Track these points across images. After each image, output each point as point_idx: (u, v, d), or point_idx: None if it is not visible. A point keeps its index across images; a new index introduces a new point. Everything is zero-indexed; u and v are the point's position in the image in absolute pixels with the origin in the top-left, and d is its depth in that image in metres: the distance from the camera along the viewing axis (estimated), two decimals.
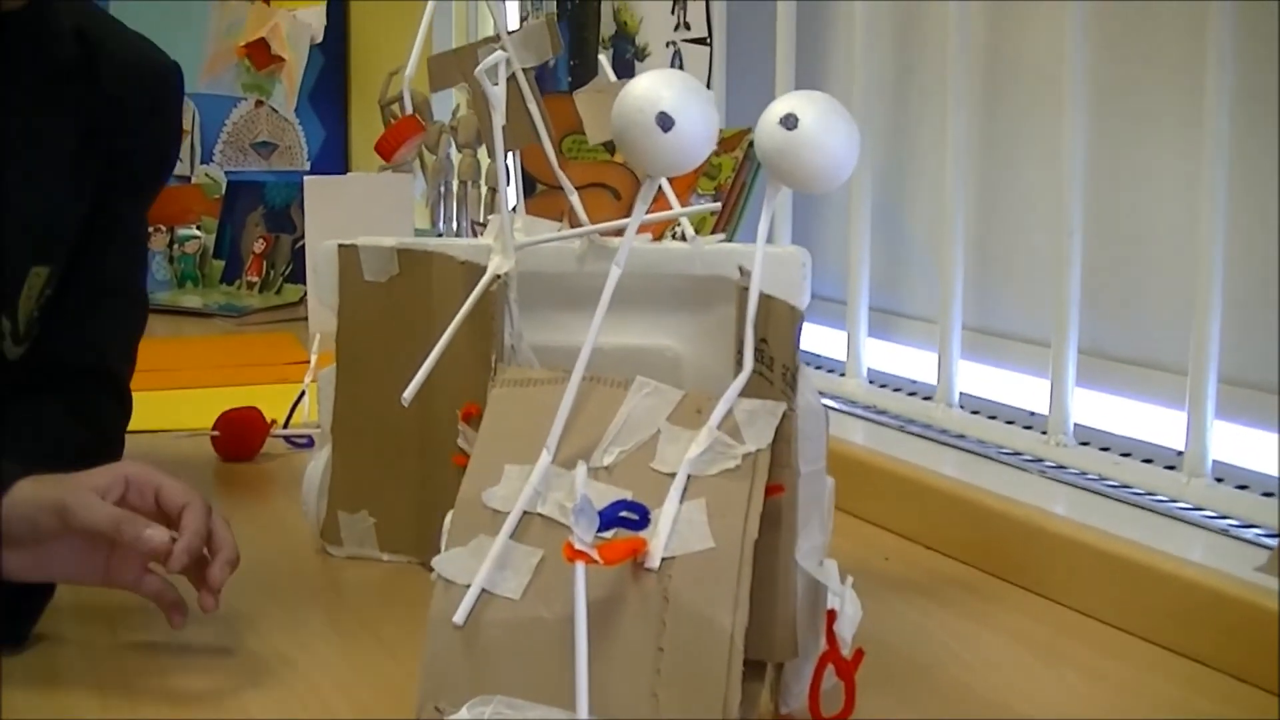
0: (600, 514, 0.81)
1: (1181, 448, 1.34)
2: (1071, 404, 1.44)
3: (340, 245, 1.21)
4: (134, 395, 1.39)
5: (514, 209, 1.19)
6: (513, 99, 1.12)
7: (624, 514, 0.81)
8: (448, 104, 3.11)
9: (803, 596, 0.91)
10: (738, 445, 0.86)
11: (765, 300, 0.90)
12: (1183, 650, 1.09)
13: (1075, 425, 1.44)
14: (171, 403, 1.84)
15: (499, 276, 1.05)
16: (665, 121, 0.84)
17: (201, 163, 3.14)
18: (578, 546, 0.78)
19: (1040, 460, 1.44)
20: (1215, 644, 1.07)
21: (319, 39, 2.98)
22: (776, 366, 0.91)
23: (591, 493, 0.85)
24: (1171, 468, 1.36)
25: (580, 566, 0.78)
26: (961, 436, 1.55)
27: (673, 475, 0.85)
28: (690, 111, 0.85)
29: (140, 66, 1.37)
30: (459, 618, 0.83)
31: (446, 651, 0.84)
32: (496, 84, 1.06)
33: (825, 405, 0.94)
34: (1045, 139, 1.51)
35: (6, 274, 1.25)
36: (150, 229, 2.80)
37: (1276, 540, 1.17)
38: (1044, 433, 1.47)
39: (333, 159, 3.25)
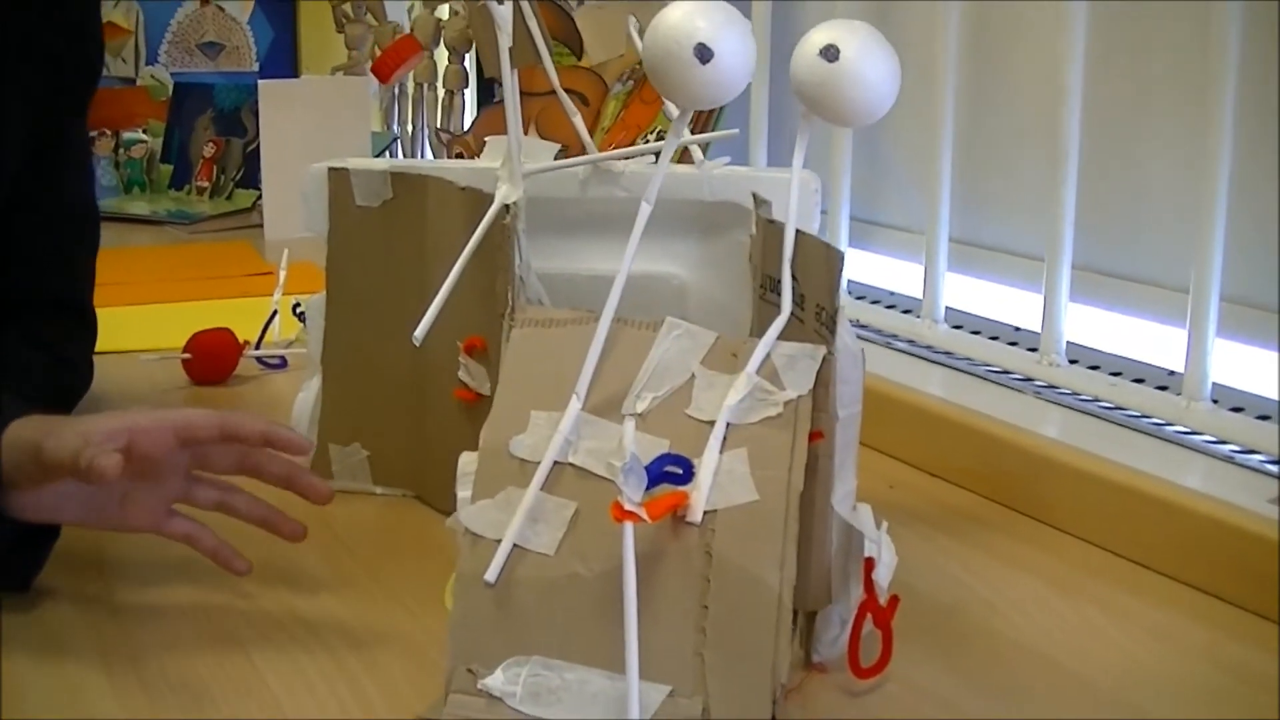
0: (645, 469, 0.78)
1: (1175, 367, 1.32)
2: (1064, 323, 1.41)
3: (331, 168, 1.16)
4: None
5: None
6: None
7: (669, 468, 0.77)
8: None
9: (836, 543, 0.88)
10: (778, 392, 0.82)
11: (798, 237, 0.86)
12: (1202, 585, 1.07)
13: (1067, 343, 1.42)
14: (133, 320, 1.79)
15: (507, 207, 1.00)
16: (704, 53, 0.80)
17: (146, 64, 3.06)
18: (627, 507, 0.74)
19: (1032, 380, 1.42)
20: (1234, 580, 1.05)
21: None
22: (809, 305, 0.87)
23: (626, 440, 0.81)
24: (1164, 388, 1.34)
25: (629, 527, 0.74)
26: (949, 354, 1.53)
27: (710, 423, 0.82)
28: (729, 42, 0.81)
29: None
30: (491, 575, 0.79)
31: (477, 611, 0.80)
32: (502, 2, 1.01)
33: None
34: (1042, 42, 1.48)
35: None
36: (95, 133, 2.73)
37: None
38: (1033, 350, 1.44)
39: (282, 60, 3.17)
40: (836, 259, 0.83)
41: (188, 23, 3.09)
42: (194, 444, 1.01)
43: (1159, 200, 1.40)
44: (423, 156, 2.77)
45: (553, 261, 1.11)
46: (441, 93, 2.60)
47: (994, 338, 1.56)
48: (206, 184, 2.77)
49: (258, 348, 1.60)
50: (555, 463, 0.82)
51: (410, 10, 2.83)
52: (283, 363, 1.60)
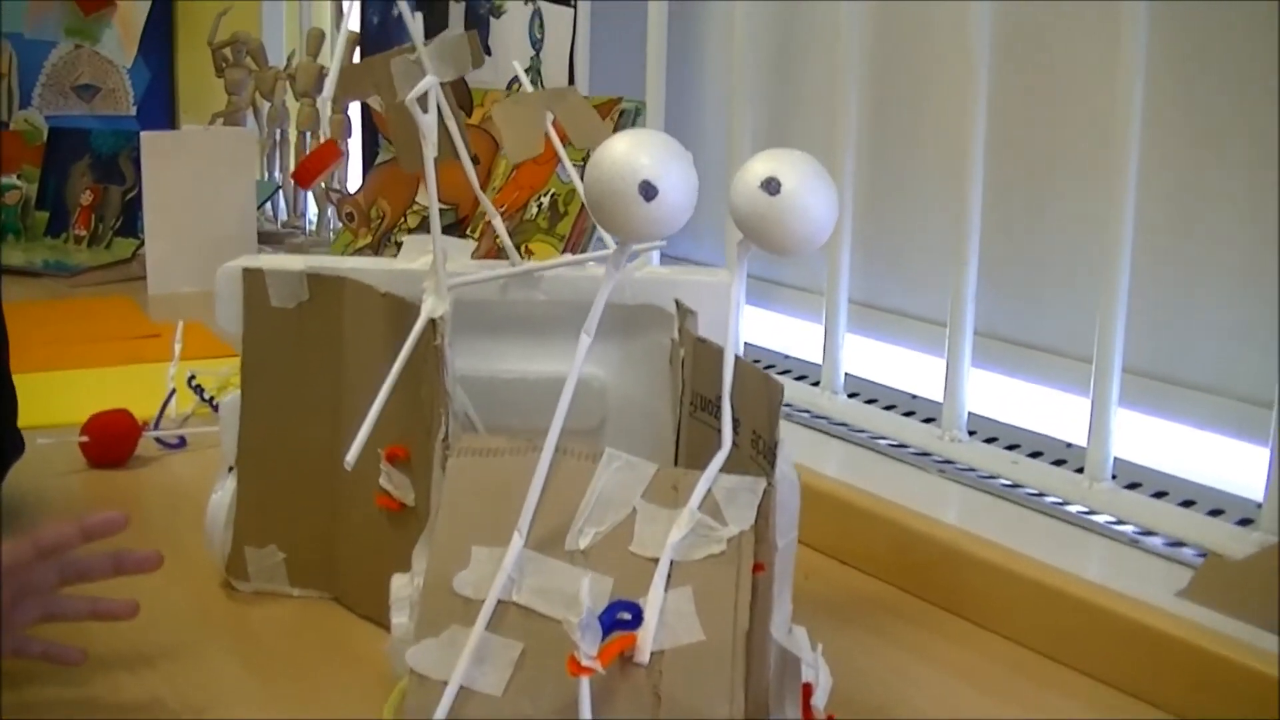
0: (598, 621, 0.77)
1: (1075, 438, 1.35)
2: (966, 398, 1.43)
3: (245, 269, 1.14)
4: None
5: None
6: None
7: (621, 615, 0.77)
8: (280, 45, 3.01)
9: (773, 666, 0.88)
10: (720, 527, 0.82)
11: (735, 364, 0.87)
12: (1112, 681, 1.08)
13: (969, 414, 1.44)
14: (19, 388, 1.75)
15: (434, 321, 0.99)
16: (648, 191, 0.80)
17: (20, 107, 3.00)
18: (584, 662, 0.74)
19: (933, 455, 1.43)
20: (1148, 679, 1.06)
21: None
22: (745, 430, 0.87)
23: (570, 580, 0.81)
24: (1064, 461, 1.37)
25: (585, 681, 0.74)
26: (848, 426, 1.54)
27: (654, 560, 0.81)
28: (672, 178, 0.80)
29: None
30: (440, 715, 0.79)
31: None
32: (426, 111, 1.00)
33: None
34: (947, 102, 1.49)
35: None
36: None
37: (1202, 560, 1.17)
38: (933, 420, 1.46)
39: (160, 103, 3.12)
40: (776, 392, 0.84)
41: (62, 65, 3.04)
42: (12, 575, 0.98)
43: (1062, 266, 1.43)
44: (304, 207, 2.75)
45: (472, 361, 1.11)
46: (324, 140, 2.58)
47: (891, 406, 1.58)
48: (85, 232, 2.72)
49: (156, 427, 1.58)
50: (499, 601, 0.81)
51: (291, 57, 2.80)
52: (181, 442, 1.57)
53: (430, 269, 1.01)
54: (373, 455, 1.08)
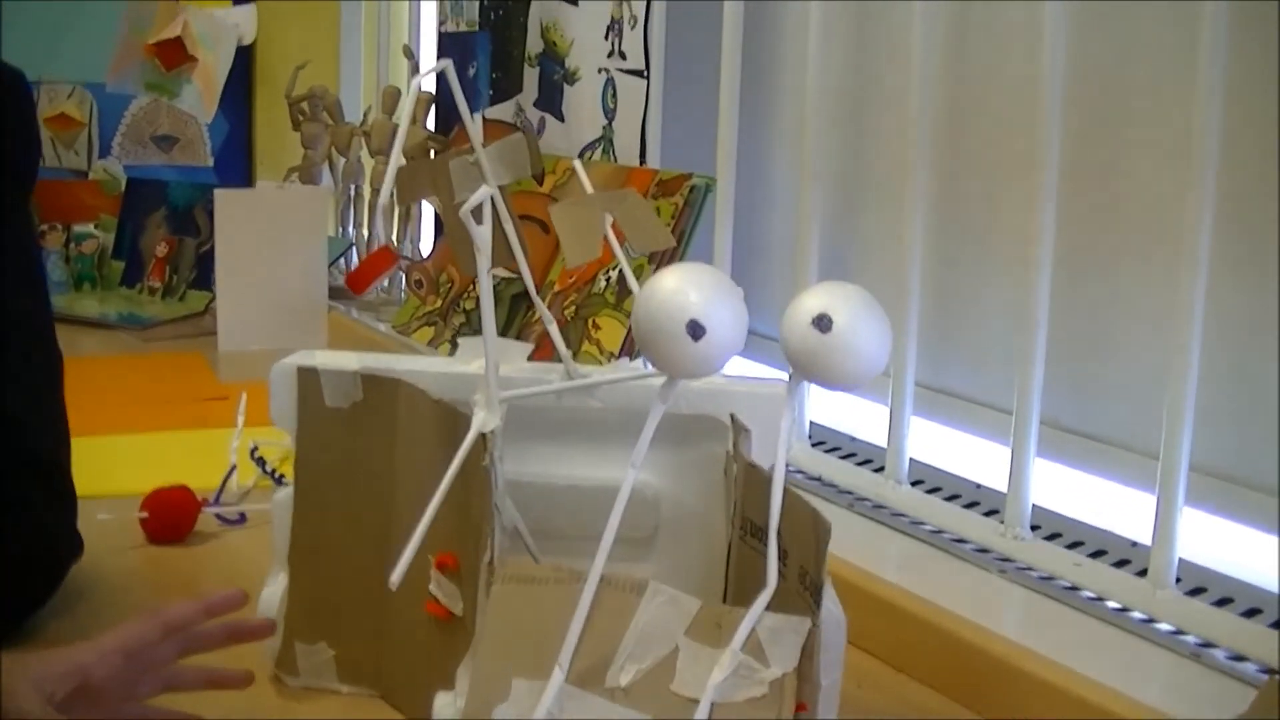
0: None
1: (1140, 537, 1.33)
2: (1029, 496, 1.41)
3: (300, 367, 1.14)
4: None
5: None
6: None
7: None
8: (357, 101, 3.03)
9: None
10: (763, 669, 0.81)
11: (786, 496, 0.86)
12: None
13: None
14: (84, 455, 1.75)
15: (484, 435, 0.98)
16: (696, 330, 0.79)
17: (99, 157, 3.03)
18: None
19: (992, 552, 1.41)
20: None
21: (249, 40, 2.87)
22: (792, 563, 0.86)
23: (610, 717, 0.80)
24: (1127, 561, 1.35)
25: None
26: (909, 518, 1.52)
27: (695, 700, 0.80)
28: (721, 316, 0.80)
29: None
30: None
31: None
32: (481, 223, 0.99)
33: None
34: (1014, 202, 1.48)
35: None
36: (45, 227, 2.70)
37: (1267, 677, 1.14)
38: (996, 512, 1.45)
39: (236, 155, 3.15)
40: (824, 530, 0.82)
41: (142, 115, 3.07)
42: (139, 655, 1.02)
43: (1129, 357, 1.40)
44: None
45: (525, 465, 1.10)
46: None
47: (955, 496, 1.56)
48: (159, 284, 2.74)
49: (216, 502, 1.58)
50: None
51: (367, 113, 2.82)
52: (241, 519, 1.57)
53: (482, 384, 1.01)
54: (423, 561, 1.07)
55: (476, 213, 0.99)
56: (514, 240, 1.06)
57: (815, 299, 0.82)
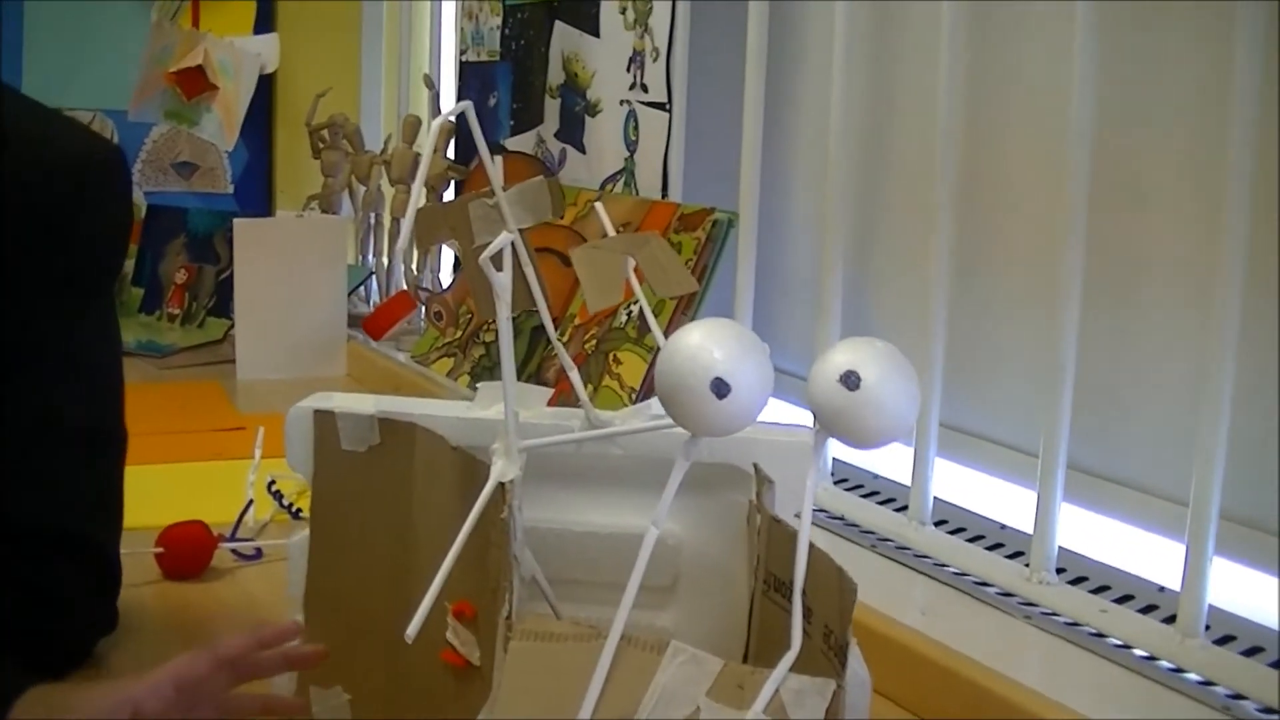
0: None
1: (1168, 582, 1.32)
2: (1056, 541, 1.40)
3: (316, 410, 1.13)
4: None
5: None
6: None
7: None
8: (377, 130, 3.03)
9: None
10: None
11: (811, 553, 0.84)
12: None
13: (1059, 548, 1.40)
14: None
15: (502, 485, 0.97)
16: (720, 388, 0.77)
17: None
18: None
19: (1017, 596, 1.39)
20: None
21: (271, 68, 2.87)
22: (817, 621, 0.85)
23: None
24: (1154, 607, 1.33)
25: None
26: (933, 560, 1.50)
27: None
28: (746, 374, 0.78)
29: (45, 161, 1.20)
30: None
31: None
32: (501, 269, 0.98)
33: None
34: (1040, 241, 1.46)
35: None
36: None
37: None
38: (1021, 554, 1.44)
39: (256, 182, 3.15)
40: (850, 589, 0.81)
41: (162, 142, 3.06)
42: (191, 688, 1.04)
43: (1159, 404, 1.39)
44: (395, 289, 2.75)
45: (544, 511, 1.09)
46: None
47: (980, 536, 1.54)
48: (178, 310, 2.74)
49: (232, 538, 1.57)
50: None
51: (387, 142, 2.81)
52: (258, 554, 1.56)
53: (501, 433, 0.99)
54: (440, 609, 1.06)
55: (496, 258, 0.98)
56: (534, 285, 1.05)
57: (843, 355, 0.80)
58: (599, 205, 1.16)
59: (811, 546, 0.84)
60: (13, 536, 1.20)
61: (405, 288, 2.59)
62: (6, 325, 1.18)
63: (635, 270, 1.07)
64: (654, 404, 1.13)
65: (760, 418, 0.83)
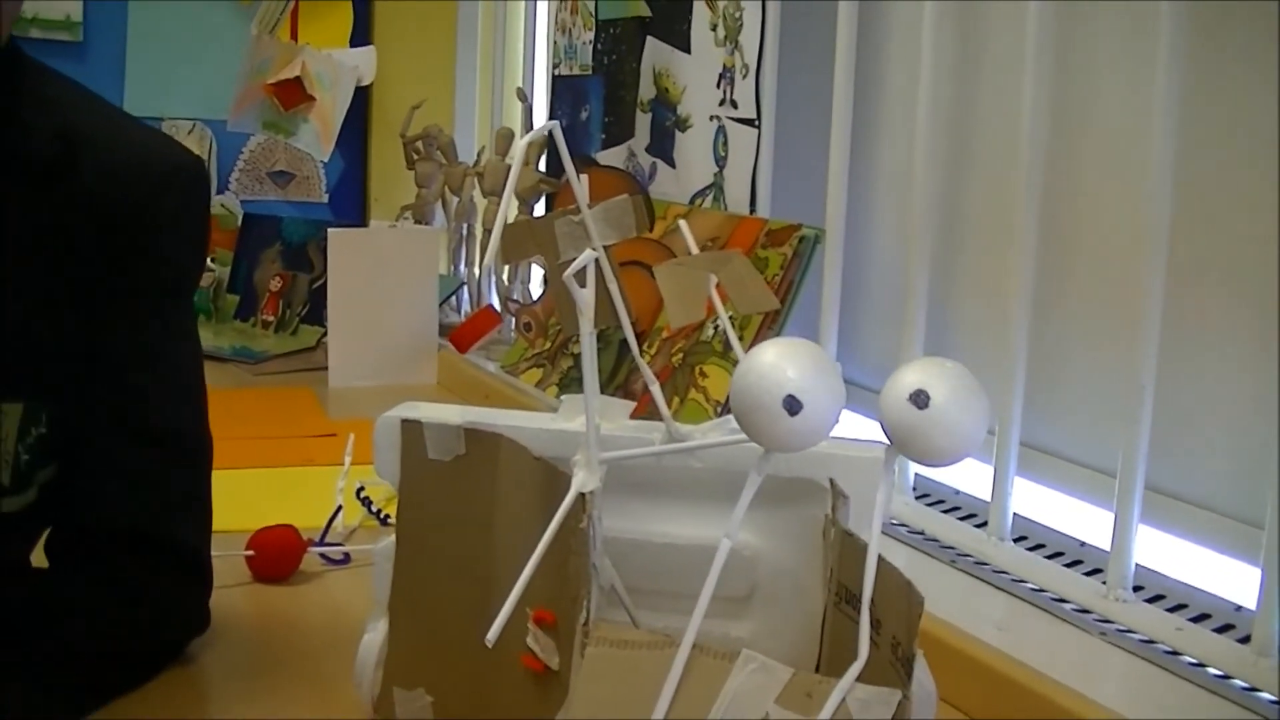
0: None
1: (1244, 601, 1.33)
2: (1133, 559, 1.40)
3: (404, 420, 1.16)
4: None
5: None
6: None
7: None
8: (471, 142, 3.07)
9: None
10: None
11: (880, 566, 0.86)
12: None
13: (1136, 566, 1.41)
14: None
15: (583, 496, 0.99)
16: (793, 405, 0.80)
17: (217, 192, 3.09)
18: None
19: (1093, 613, 1.40)
20: None
21: (368, 80, 2.92)
22: (885, 632, 0.87)
23: None
24: (1230, 627, 1.34)
25: None
26: (1010, 575, 1.52)
27: None
28: (819, 393, 0.80)
29: (134, 171, 1.23)
30: None
31: None
32: (585, 286, 1.00)
33: None
34: (1121, 263, 1.48)
35: None
36: None
37: None
38: (1099, 571, 1.45)
39: (351, 192, 3.20)
40: (917, 604, 0.83)
41: (259, 151, 3.12)
42: None
43: (1236, 428, 1.39)
44: (487, 300, 2.79)
45: (624, 522, 1.11)
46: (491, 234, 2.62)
47: (1059, 553, 1.55)
48: (272, 318, 2.79)
49: (321, 542, 1.60)
50: None
51: (480, 154, 2.85)
52: (346, 559, 1.60)
53: (583, 445, 1.02)
54: (521, 615, 1.09)
55: (581, 274, 1.01)
56: (617, 301, 1.07)
57: (913, 374, 0.82)
58: (683, 223, 1.18)
59: (881, 560, 0.86)
60: (107, 539, 1.24)
61: (492, 301, 2.63)
62: (90, 332, 1.22)
63: (717, 288, 1.09)
64: (733, 419, 1.15)
65: (838, 433, 0.85)
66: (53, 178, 1.18)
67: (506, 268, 2.61)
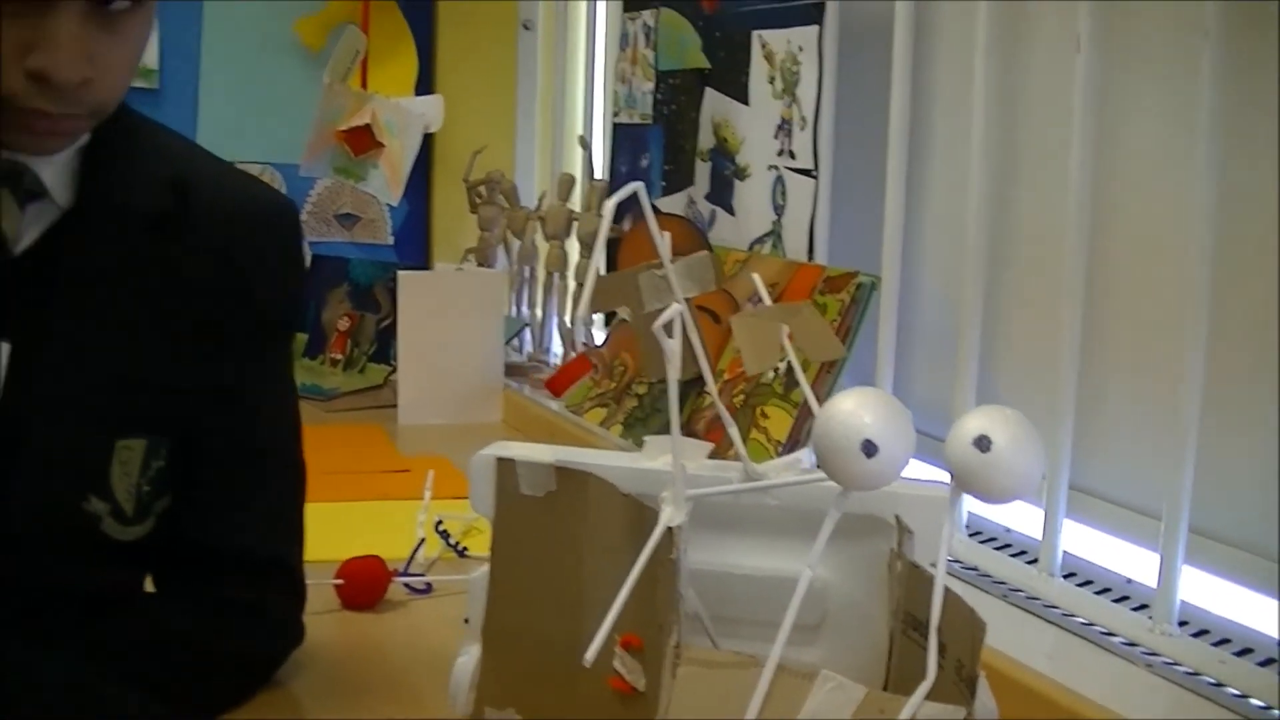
0: None
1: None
2: (1178, 593, 1.47)
3: (499, 458, 1.25)
4: None
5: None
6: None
7: None
8: (532, 186, 3.14)
9: None
10: None
11: (945, 595, 0.94)
12: None
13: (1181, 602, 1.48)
14: None
15: (670, 530, 1.08)
16: (869, 449, 0.88)
17: None
18: None
19: (1140, 646, 1.47)
20: None
21: (435, 128, 3.01)
22: (950, 655, 0.95)
23: None
24: (1272, 660, 1.40)
25: None
26: (1060, 610, 1.59)
27: None
28: (893, 437, 0.89)
29: (241, 215, 1.32)
30: None
31: None
32: (672, 337, 1.09)
33: None
34: (1166, 308, 1.55)
35: (87, 449, 1.23)
36: None
37: None
38: (1146, 606, 1.51)
39: (415, 234, 3.30)
40: (980, 628, 0.91)
41: (326, 194, 3.22)
42: None
43: (1269, 473, 1.45)
44: (549, 343, 2.87)
45: (705, 555, 1.20)
46: (573, 285, 2.70)
47: (1106, 589, 1.62)
48: (340, 356, 2.88)
49: (405, 573, 1.69)
50: None
51: (541, 198, 2.94)
52: (428, 588, 1.68)
53: (670, 476, 1.10)
54: (609, 639, 1.17)
55: (667, 325, 1.09)
56: (699, 351, 1.16)
57: (976, 421, 0.91)
58: (756, 277, 1.27)
59: (946, 589, 0.95)
60: (216, 560, 1.34)
61: (581, 349, 2.70)
62: (207, 368, 1.31)
63: (789, 337, 1.18)
64: (803, 458, 1.24)
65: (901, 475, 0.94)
66: (168, 226, 1.28)
67: (570, 299, 2.69)
